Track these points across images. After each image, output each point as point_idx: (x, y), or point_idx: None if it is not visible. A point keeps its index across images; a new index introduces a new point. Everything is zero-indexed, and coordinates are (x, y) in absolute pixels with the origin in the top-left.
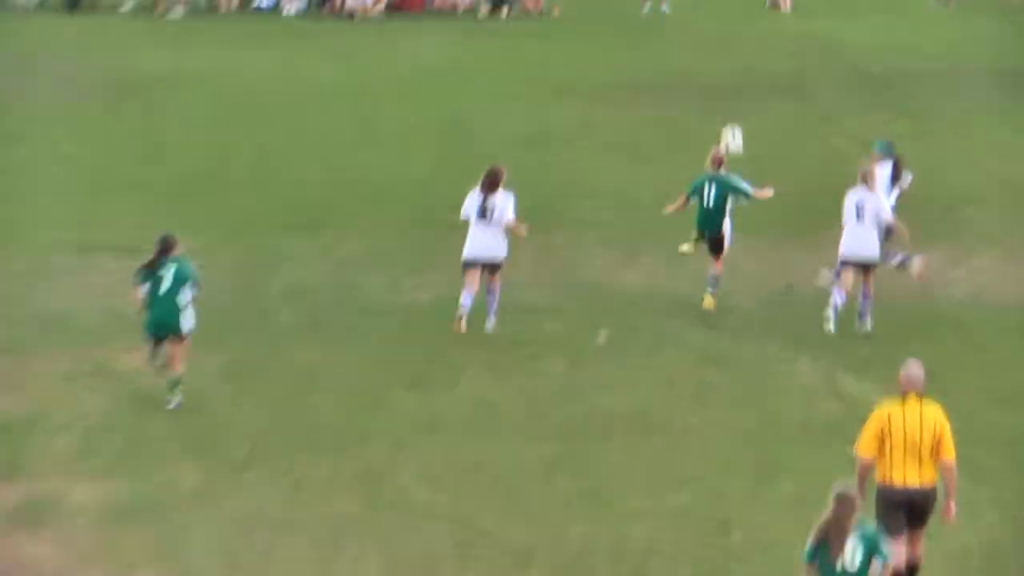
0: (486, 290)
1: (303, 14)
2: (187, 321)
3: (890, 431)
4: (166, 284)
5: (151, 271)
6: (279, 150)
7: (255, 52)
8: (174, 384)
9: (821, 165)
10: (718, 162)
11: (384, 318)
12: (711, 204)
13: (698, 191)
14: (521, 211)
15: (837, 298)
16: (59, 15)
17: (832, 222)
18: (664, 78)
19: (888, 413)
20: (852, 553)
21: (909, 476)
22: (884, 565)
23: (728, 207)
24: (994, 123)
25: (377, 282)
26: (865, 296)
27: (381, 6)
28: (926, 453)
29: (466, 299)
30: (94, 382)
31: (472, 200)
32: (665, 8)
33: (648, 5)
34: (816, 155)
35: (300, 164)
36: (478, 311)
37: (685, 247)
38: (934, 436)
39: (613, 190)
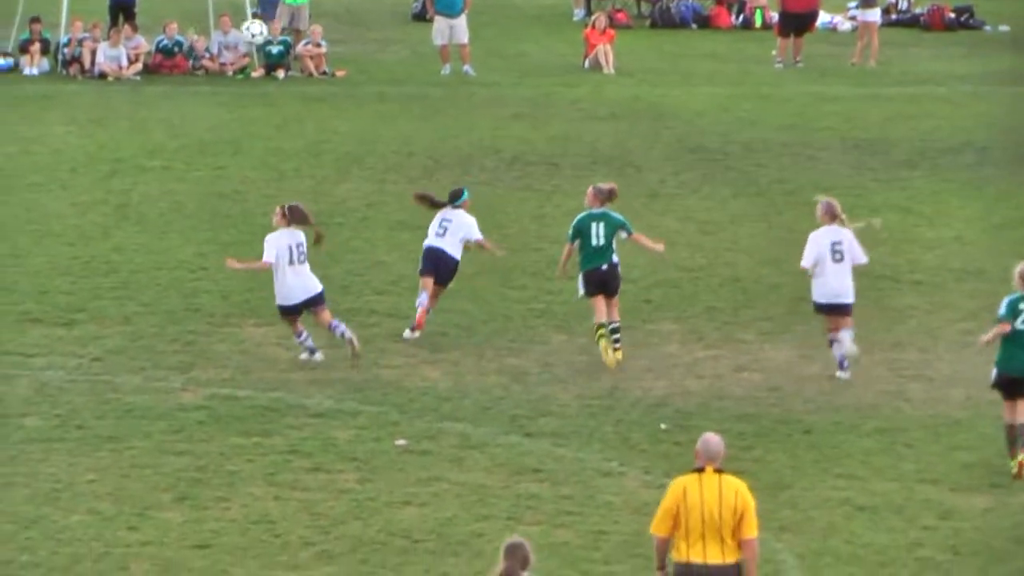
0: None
1: (46, 74)
2: None
3: (687, 507)
4: None
5: None
6: (19, 231)
7: None
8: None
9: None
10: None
11: (147, 422)
12: (601, 241)
13: (582, 231)
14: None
15: (836, 351)
16: None
17: (668, 316)
18: (468, 149)
19: (684, 487)
20: None
21: (710, 553)
22: None
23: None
24: (848, 200)
25: (138, 381)
26: (848, 335)
27: (138, 66)
28: (727, 530)
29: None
30: None
31: (280, 241)
32: (468, 69)
33: (448, 66)
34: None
35: (45, 246)
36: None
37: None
38: (735, 512)
39: (409, 276)
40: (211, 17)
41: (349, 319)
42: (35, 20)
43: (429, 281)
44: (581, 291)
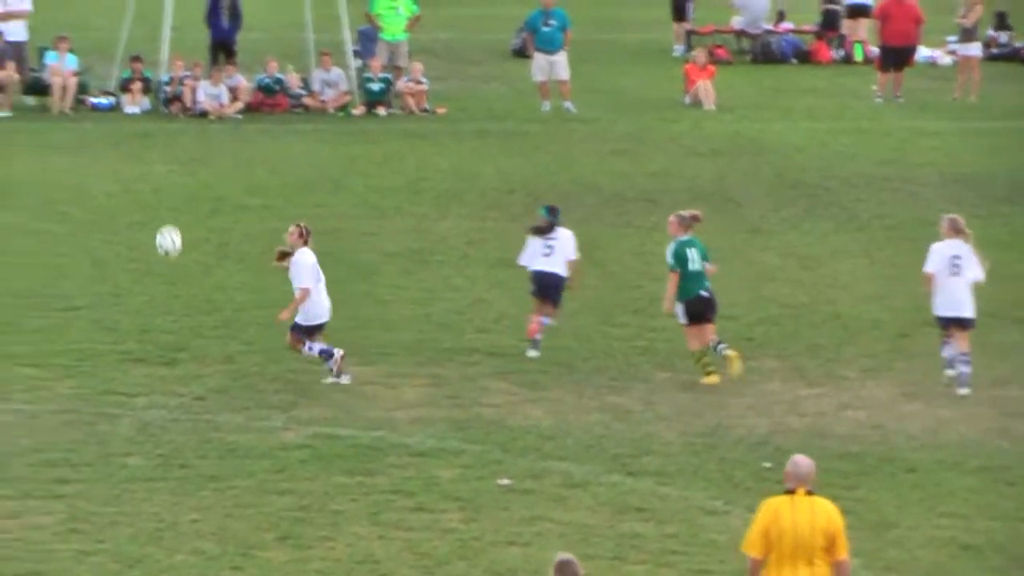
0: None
1: (147, 113)
2: None
3: (779, 529)
4: None
5: None
6: (120, 269)
7: (92, 156)
8: None
9: (751, 285)
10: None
11: (249, 461)
12: (698, 266)
13: (682, 258)
14: (405, 340)
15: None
16: None
17: (769, 353)
18: (567, 186)
19: (776, 509)
20: None
21: (794, 575)
22: None
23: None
24: None
25: (240, 420)
26: (965, 357)
27: (239, 104)
28: (818, 552)
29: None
30: None
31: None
32: (568, 105)
33: (547, 102)
34: (747, 275)
35: (146, 285)
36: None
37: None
38: (827, 534)
39: (510, 313)
40: (312, 55)
41: (450, 357)
42: (136, 59)
43: (541, 304)
44: (683, 320)
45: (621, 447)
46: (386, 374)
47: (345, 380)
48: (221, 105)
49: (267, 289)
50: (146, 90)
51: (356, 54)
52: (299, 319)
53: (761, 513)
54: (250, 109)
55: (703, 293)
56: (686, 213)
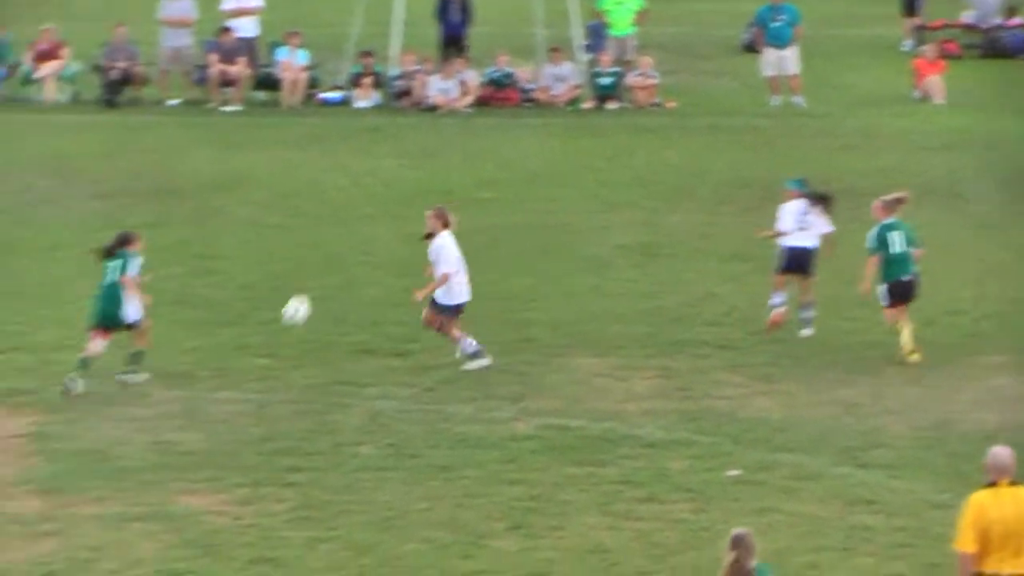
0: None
1: (377, 107)
2: (132, 313)
3: (988, 522)
4: (111, 277)
5: (106, 260)
6: (352, 262)
7: (322, 151)
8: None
9: (979, 282)
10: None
11: (480, 451)
12: (901, 249)
13: (884, 241)
14: (635, 332)
15: None
16: (95, 111)
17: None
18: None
19: (982, 503)
20: None
21: (1014, 565)
22: None
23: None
24: None
25: (471, 411)
26: None
27: (469, 98)
28: None
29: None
30: (148, 526)
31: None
32: (798, 100)
33: (777, 97)
34: (975, 270)
35: (377, 278)
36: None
37: None
38: None
39: (741, 307)
40: (541, 49)
41: (681, 350)
42: (367, 54)
43: (786, 279)
44: (885, 301)
45: (851, 440)
46: (616, 366)
47: (484, 363)
48: (451, 99)
49: (496, 282)
50: (376, 84)
51: (586, 48)
52: (441, 299)
53: (968, 509)
54: (480, 103)
55: (904, 277)
56: (890, 196)
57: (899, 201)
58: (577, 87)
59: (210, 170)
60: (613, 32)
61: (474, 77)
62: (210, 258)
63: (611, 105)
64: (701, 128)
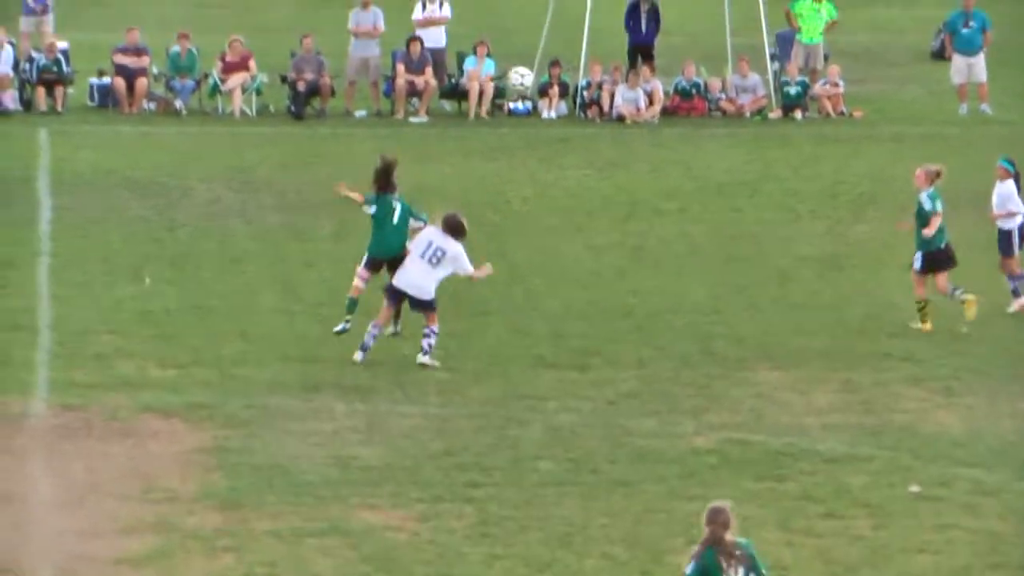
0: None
1: (564, 117)
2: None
3: None
4: (398, 215)
5: (382, 198)
6: (535, 272)
7: (508, 161)
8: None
9: None
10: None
11: (660, 466)
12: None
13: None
14: (818, 345)
15: None
16: (282, 122)
17: None
18: (985, 188)
19: None
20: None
21: None
22: None
23: None
24: None
25: (651, 425)
26: None
27: (656, 109)
28: None
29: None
30: (325, 542)
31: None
32: (986, 108)
33: (965, 105)
34: None
35: (560, 289)
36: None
37: None
38: None
39: None
40: (729, 59)
41: (863, 363)
42: (554, 64)
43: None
44: (917, 266)
45: None
46: (798, 379)
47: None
48: (638, 109)
49: (681, 294)
50: (563, 94)
51: (772, 57)
52: None
53: None
54: (667, 113)
55: (942, 246)
56: (933, 167)
57: (939, 174)
58: (763, 97)
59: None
60: (802, 39)
61: (661, 87)
62: None
63: (798, 115)
64: (887, 137)
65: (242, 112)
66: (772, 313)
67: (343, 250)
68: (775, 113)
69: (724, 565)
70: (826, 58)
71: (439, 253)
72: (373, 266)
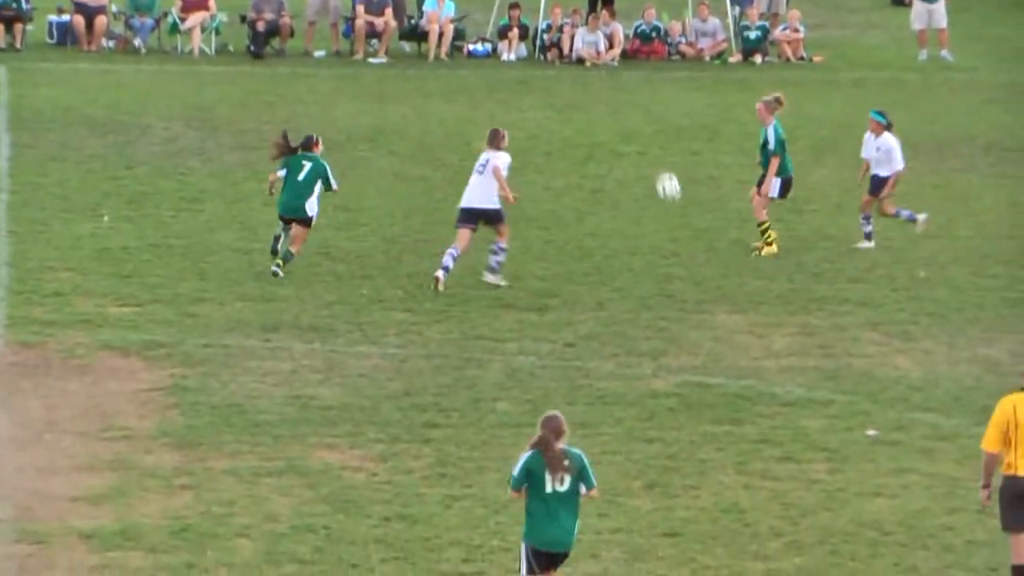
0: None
1: (524, 60)
2: (312, 208)
3: (1016, 422)
4: (303, 174)
5: (291, 159)
6: None
7: (468, 103)
8: (287, 257)
9: None
10: None
11: (618, 408)
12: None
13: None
14: (777, 288)
15: None
16: (241, 62)
17: None
18: (943, 135)
19: (1014, 404)
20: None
21: None
22: (590, 490)
23: None
24: None
25: (609, 367)
26: None
27: (616, 52)
28: None
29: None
30: (283, 481)
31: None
32: (946, 54)
33: (925, 51)
34: None
35: (519, 232)
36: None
37: None
38: None
39: (884, 262)
40: (690, 2)
41: (821, 307)
42: (514, 6)
43: None
44: (775, 192)
45: (991, 399)
46: (756, 322)
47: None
48: (598, 52)
49: (639, 236)
50: (523, 37)
51: (733, 2)
52: None
53: (998, 409)
54: (626, 56)
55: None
56: (769, 97)
57: (779, 102)
58: (724, 41)
59: (354, 122)
60: None
61: (621, 30)
62: (353, 210)
63: (757, 59)
64: (847, 82)
65: (201, 51)
66: (730, 256)
67: None
68: (735, 57)
69: (550, 475)
70: (787, 3)
71: (485, 164)
72: (282, 220)
